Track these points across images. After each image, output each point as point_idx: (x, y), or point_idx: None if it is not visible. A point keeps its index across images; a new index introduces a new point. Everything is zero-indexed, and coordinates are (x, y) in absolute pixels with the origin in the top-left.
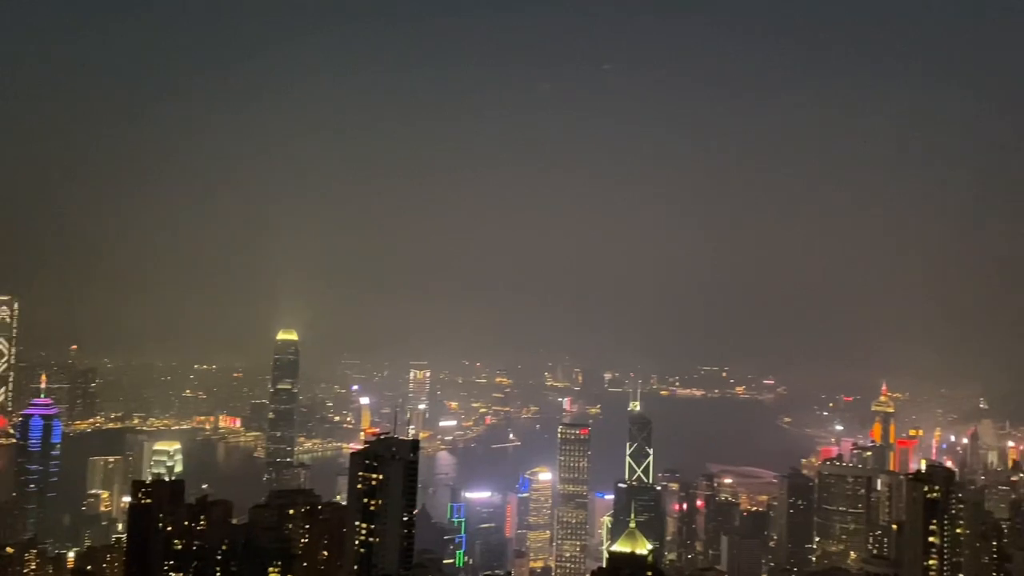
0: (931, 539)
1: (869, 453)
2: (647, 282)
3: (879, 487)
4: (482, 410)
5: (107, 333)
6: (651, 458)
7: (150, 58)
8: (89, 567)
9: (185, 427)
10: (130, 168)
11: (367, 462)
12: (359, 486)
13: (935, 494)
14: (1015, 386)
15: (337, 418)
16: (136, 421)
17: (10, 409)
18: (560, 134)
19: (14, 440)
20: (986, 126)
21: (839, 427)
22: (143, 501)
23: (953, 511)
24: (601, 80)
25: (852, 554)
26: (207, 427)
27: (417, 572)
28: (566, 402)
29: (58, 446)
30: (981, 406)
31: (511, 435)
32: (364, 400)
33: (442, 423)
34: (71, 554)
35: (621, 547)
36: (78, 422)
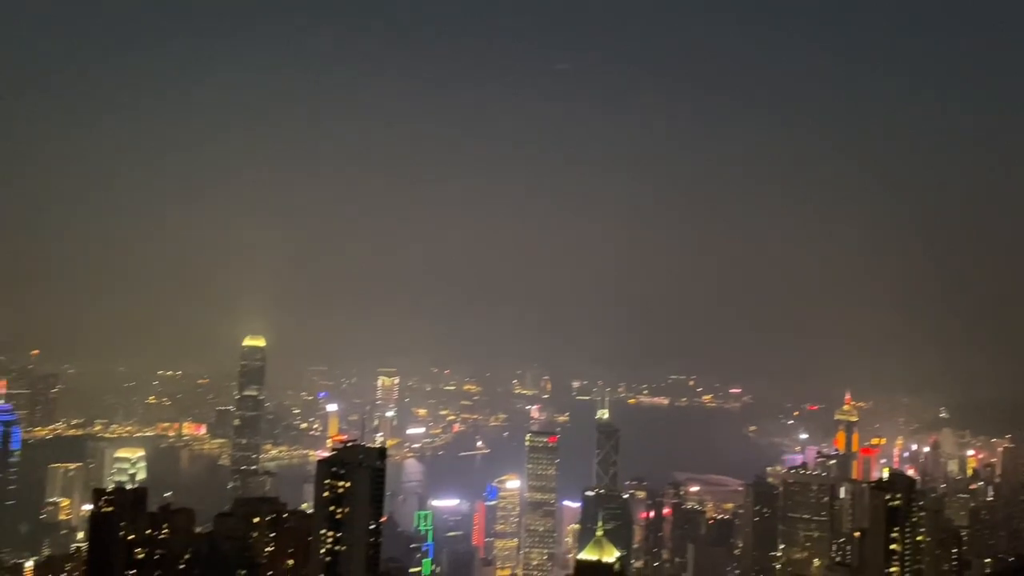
0: (892, 546)
1: (833, 461)
2: (616, 290)
3: (842, 495)
4: (450, 417)
5: (69, 338)
6: (618, 466)
7: (118, 53)
8: None
9: (148, 434)
10: (94, 172)
11: (334, 469)
12: (325, 494)
13: (897, 502)
14: (975, 395)
15: (304, 425)
16: (98, 428)
17: None
18: (528, 140)
19: None
20: (955, 135)
21: (804, 436)
22: (104, 509)
23: (914, 519)
24: (562, 81)
25: (816, 561)
26: (171, 434)
27: None
28: (534, 410)
29: (17, 453)
30: (942, 415)
31: (479, 443)
32: (331, 407)
33: (410, 430)
34: (29, 563)
35: (588, 555)
36: (38, 429)
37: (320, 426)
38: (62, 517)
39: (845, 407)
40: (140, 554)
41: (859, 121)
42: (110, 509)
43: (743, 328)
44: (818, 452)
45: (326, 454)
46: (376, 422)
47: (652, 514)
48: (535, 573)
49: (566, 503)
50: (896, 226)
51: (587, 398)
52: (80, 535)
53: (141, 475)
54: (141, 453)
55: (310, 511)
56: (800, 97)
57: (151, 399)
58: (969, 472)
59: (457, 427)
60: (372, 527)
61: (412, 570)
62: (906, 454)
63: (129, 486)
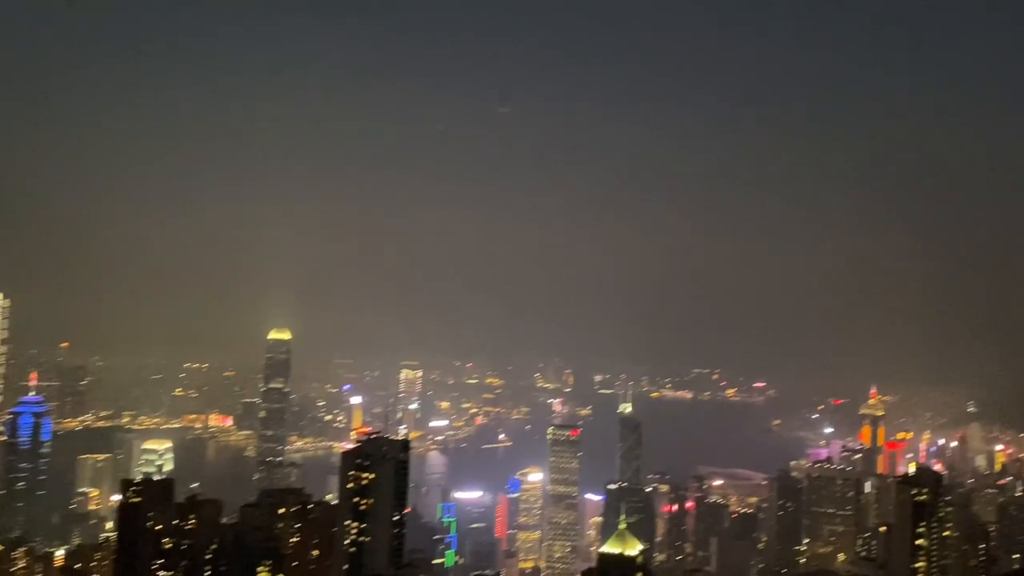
0: (919, 541)
1: (858, 456)
2: (638, 284)
3: (868, 489)
4: (472, 410)
5: (98, 331)
6: (640, 460)
7: (134, 54)
8: (78, 565)
9: (175, 426)
10: (120, 166)
11: (358, 461)
12: (350, 485)
13: (923, 497)
14: (1004, 390)
15: (328, 417)
16: (126, 419)
17: None
18: (546, 140)
19: (3, 438)
20: (963, 129)
21: (829, 430)
22: (132, 500)
23: (941, 514)
24: (576, 81)
25: (840, 556)
26: (198, 426)
27: (407, 572)
28: (556, 403)
29: (48, 444)
30: (970, 410)
31: (501, 436)
32: (355, 399)
33: (433, 423)
34: (60, 552)
35: (611, 548)
36: (68, 420)
37: (344, 418)
38: (91, 507)
39: (871, 401)
40: (167, 544)
41: (881, 115)
42: (138, 500)
43: (767, 322)
44: (843, 446)
45: (350, 446)
46: (399, 414)
47: (675, 508)
48: (558, 565)
49: (588, 496)
50: (923, 219)
51: (610, 392)
52: (109, 525)
53: (168, 466)
54: (168, 445)
55: (335, 502)
56: (813, 95)
57: (178, 391)
58: (998, 467)
59: (479, 420)
60: (396, 518)
61: (436, 561)
62: (933, 449)
63: (156, 477)
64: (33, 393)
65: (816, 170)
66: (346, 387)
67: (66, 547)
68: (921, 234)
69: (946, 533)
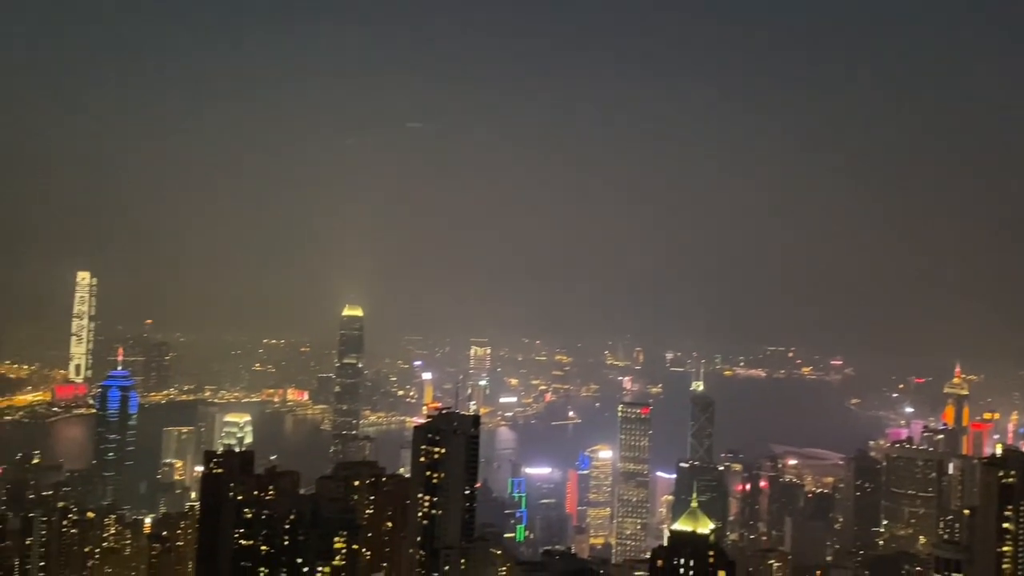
0: (1005, 525)
1: (941, 436)
2: (712, 261)
3: (951, 471)
4: (542, 387)
5: (180, 308)
6: (712, 438)
7: (217, 35)
8: (164, 532)
9: (254, 399)
10: (203, 146)
11: (430, 436)
12: (422, 459)
13: (1011, 479)
14: None
15: (401, 392)
16: (208, 393)
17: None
18: (617, 125)
19: (94, 410)
20: None
21: (909, 409)
22: (215, 471)
23: None
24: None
25: (921, 538)
26: (276, 400)
27: (478, 545)
28: (626, 381)
29: (135, 416)
30: None
31: (571, 412)
32: (426, 375)
33: (502, 399)
34: (148, 520)
35: (682, 526)
36: (153, 394)
37: (416, 393)
38: (176, 477)
39: (955, 380)
40: (248, 514)
41: (959, 103)
42: (220, 471)
43: (845, 298)
44: (925, 426)
45: (422, 421)
46: (469, 390)
47: (748, 487)
48: (628, 542)
49: (660, 474)
50: (1006, 194)
51: (681, 370)
52: (193, 494)
53: (248, 439)
54: (248, 418)
55: (407, 475)
56: (890, 80)
57: (257, 366)
58: None
59: (549, 397)
60: (467, 492)
61: (506, 535)
62: (1022, 430)
63: (237, 449)
64: (120, 368)
65: (898, 148)
66: (417, 363)
67: (153, 515)
68: (1007, 209)
69: None
